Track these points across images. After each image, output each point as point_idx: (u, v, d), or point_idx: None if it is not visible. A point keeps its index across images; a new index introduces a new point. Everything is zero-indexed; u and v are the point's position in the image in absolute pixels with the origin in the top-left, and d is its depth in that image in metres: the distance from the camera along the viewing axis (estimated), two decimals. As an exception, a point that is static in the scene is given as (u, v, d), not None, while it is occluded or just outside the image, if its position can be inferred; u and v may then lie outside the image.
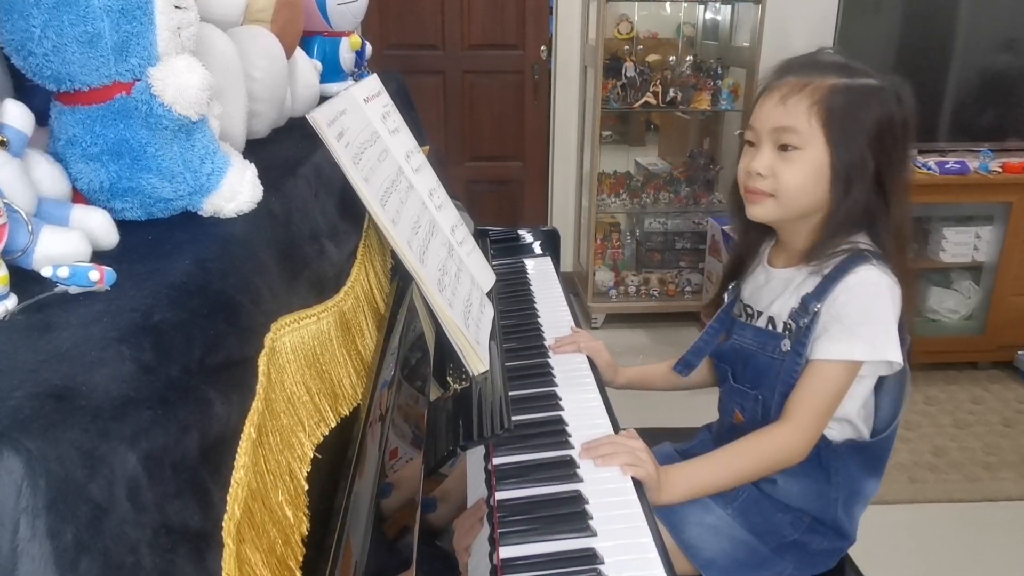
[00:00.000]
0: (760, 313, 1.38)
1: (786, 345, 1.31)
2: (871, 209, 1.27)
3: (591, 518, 1.10)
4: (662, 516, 1.33)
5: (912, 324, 1.31)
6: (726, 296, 1.49)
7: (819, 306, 1.26)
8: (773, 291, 1.36)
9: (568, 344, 1.61)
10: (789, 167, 1.26)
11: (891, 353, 1.24)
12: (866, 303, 1.24)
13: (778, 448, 1.28)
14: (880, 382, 1.33)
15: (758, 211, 1.31)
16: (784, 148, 1.26)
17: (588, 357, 1.58)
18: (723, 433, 1.47)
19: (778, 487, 1.35)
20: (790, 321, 1.31)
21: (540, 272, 2.02)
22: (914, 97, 1.28)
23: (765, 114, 1.28)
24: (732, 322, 1.46)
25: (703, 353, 1.52)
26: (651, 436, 1.35)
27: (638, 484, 1.19)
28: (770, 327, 1.35)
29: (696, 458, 1.35)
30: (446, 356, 1.24)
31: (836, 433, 1.33)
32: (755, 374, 1.37)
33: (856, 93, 1.24)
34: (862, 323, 1.24)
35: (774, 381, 1.32)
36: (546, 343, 1.62)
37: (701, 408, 1.73)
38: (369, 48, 1.88)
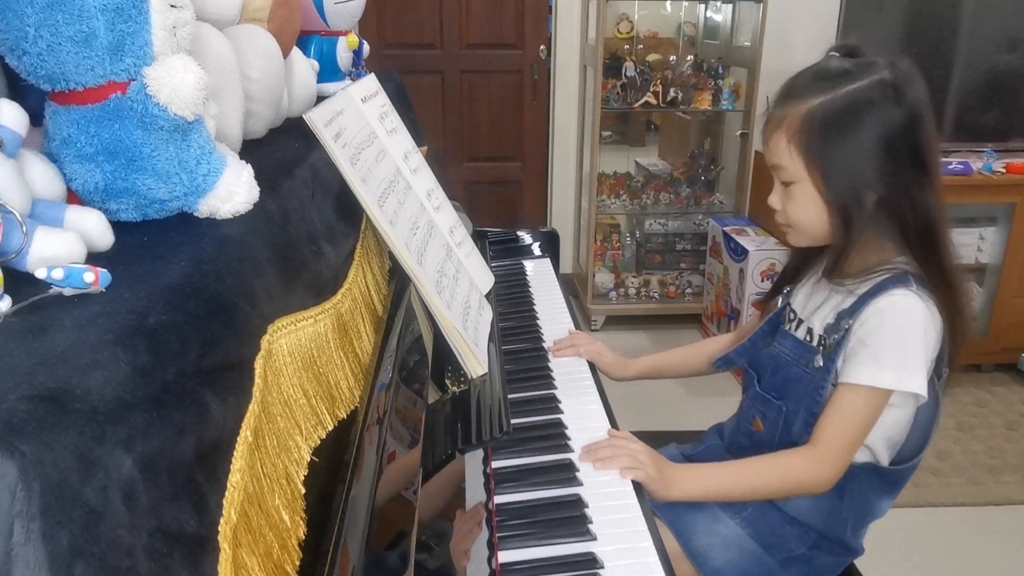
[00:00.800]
0: (801, 321, 1.36)
1: (819, 361, 1.29)
2: (886, 221, 1.22)
3: (591, 522, 1.10)
4: (671, 523, 1.33)
5: (968, 336, 1.26)
6: (780, 300, 1.47)
7: (851, 323, 1.23)
8: (816, 301, 1.34)
9: (567, 348, 1.61)
10: (792, 202, 1.26)
11: (915, 384, 1.19)
12: (895, 329, 1.20)
13: (802, 476, 1.25)
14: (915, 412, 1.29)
15: (791, 241, 1.33)
16: (785, 184, 1.26)
17: (588, 361, 1.58)
18: (738, 438, 1.46)
19: (788, 500, 1.33)
20: (824, 335, 1.29)
21: (539, 274, 2.02)
22: (923, 80, 1.20)
23: (764, 152, 1.29)
24: (778, 327, 1.43)
25: (747, 354, 1.49)
26: (655, 439, 1.35)
27: (638, 487, 1.19)
28: (807, 338, 1.33)
29: (712, 463, 1.34)
30: (444, 359, 1.24)
31: (857, 455, 1.29)
32: (784, 384, 1.35)
33: (834, 111, 1.18)
34: (889, 349, 1.20)
35: (802, 395, 1.30)
36: (545, 345, 1.62)
37: (707, 411, 1.73)
38: (367, 47, 1.88)
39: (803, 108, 1.20)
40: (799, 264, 1.44)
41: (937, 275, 1.23)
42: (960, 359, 1.28)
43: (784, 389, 1.34)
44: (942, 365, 1.25)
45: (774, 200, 1.29)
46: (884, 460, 1.31)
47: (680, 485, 1.24)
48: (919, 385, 1.19)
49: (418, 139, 1.57)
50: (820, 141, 1.19)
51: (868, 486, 1.31)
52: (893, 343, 1.20)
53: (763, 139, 1.28)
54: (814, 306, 1.34)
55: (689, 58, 3.95)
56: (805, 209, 1.24)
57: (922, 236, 1.22)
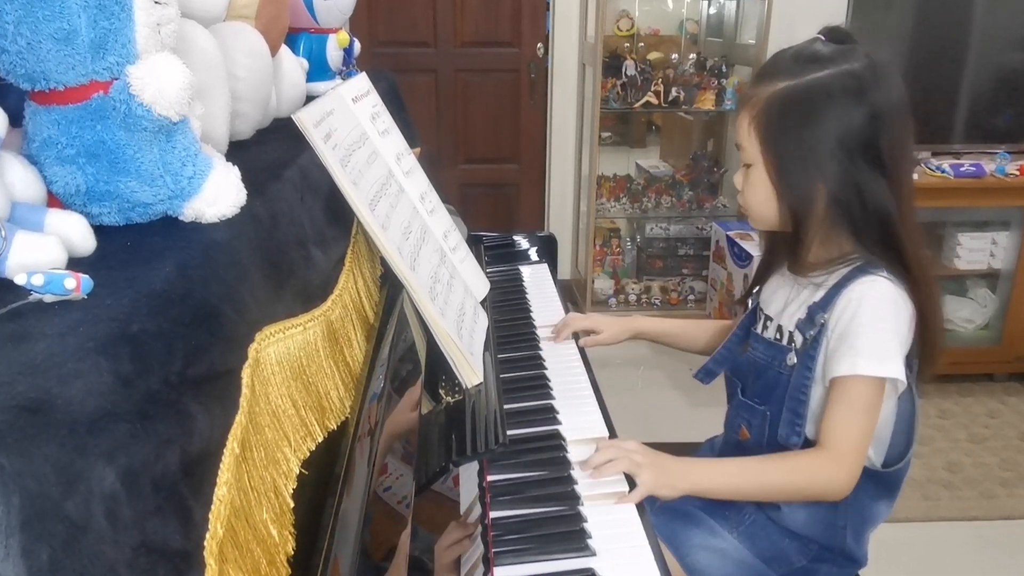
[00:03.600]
0: (771, 320, 1.37)
1: (792, 359, 1.30)
2: (840, 220, 1.23)
3: (590, 537, 1.10)
4: (666, 538, 1.33)
5: (937, 338, 1.27)
6: (750, 301, 1.48)
7: (825, 317, 1.24)
8: (783, 298, 1.36)
9: (563, 329, 1.66)
10: (748, 185, 1.28)
11: (892, 370, 1.19)
12: (868, 315, 1.20)
13: (816, 477, 1.23)
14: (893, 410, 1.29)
15: (751, 223, 1.35)
16: (746, 165, 1.28)
17: (588, 369, 1.59)
18: (727, 451, 1.47)
19: (783, 513, 1.33)
20: (796, 332, 1.29)
21: (536, 280, 2.02)
22: (900, 81, 1.19)
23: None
24: (750, 329, 1.44)
25: (726, 362, 1.49)
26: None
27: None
28: (777, 337, 1.34)
29: (718, 458, 1.34)
30: (438, 368, 1.24)
31: None
32: (764, 389, 1.35)
33: (794, 98, 1.19)
34: (864, 336, 1.20)
35: (782, 397, 1.30)
36: (543, 354, 1.62)
37: (708, 421, 1.73)
38: (357, 45, 1.88)
39: (768, 90, 1.22)
40: (769, 259, 1.45)
41: (901, 271, 1.23)
42: (933, 367, 1.29)
43: (766, 394, 1.35)
44: (912, 357, 1.26)
45: (737, 180, 1.31)
46: (876, 461, 1.32)
47: (688, 478, 1.23)
48: (896, 370, 1.20)
49: (411, 140, 1.57)
50: (777, 126, 1.21)
51: (862, 491, 1.29)
52: (870, 329, 1.20)
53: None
54: (782, 303, 1.36)
55: (691, 56, 3.97)
56: (758, 194, 1.26)
57: (877, 234, 1.23)
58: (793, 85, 1.20)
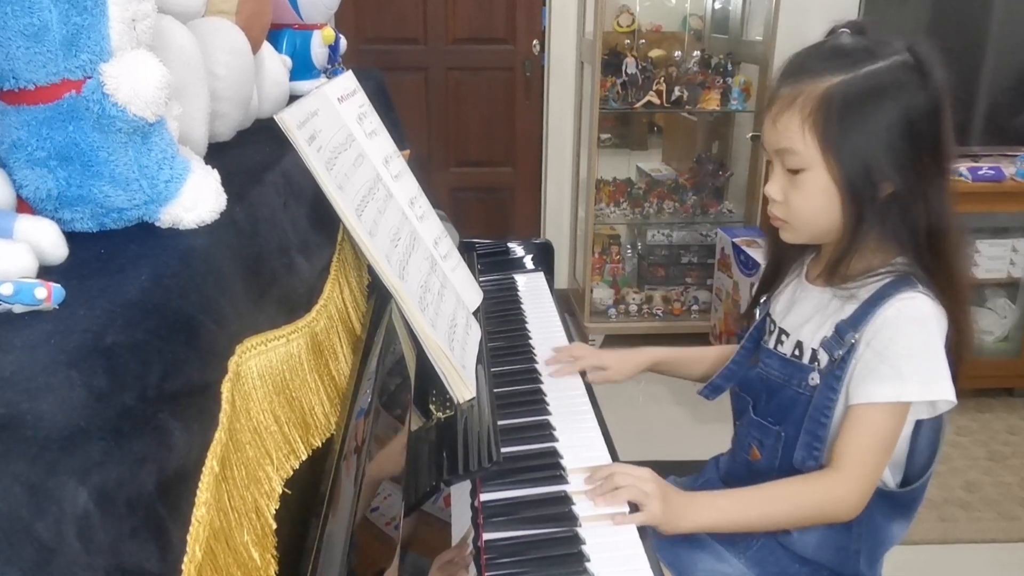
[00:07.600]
0: (788, 335, 1.35)
1: (814, 379, 1.28)
2: (898, 224, 1.22)
3: (588, 560, 1.10)
4: (670, 562, 1.33)
5: (968, 354, 1.27)
6: (757, 312, 1.47)
7: (856, 336, 1.22)
8: (804, 311, 1.34)
9: (567, 365, 1.62)
10: (798, 191, 1.24)
11: (944, 391, 1.19)
12: (913, 337, 1.20)
13: (823, 502, 1.23)
14: (916, 428, 1.29)
15: (785, 236, 1.32)
16: (793, 171, 1.24)
17: (586, 382, 1.59)
18: (735, 470, 1.46)
19: (793, 538, 1.33)
20: (821, 350, 1.28)
21: (532, 289, 2.03)
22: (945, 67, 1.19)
23: (766, 135, 1.27)
24: (759, 344, 1.43)
25: (734, 377, 1.48)
26: (656, 470, 1.35)
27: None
28: (796, 354, 1.33)
29: (720, 491, 1.33)
30: (428, 382, 1.24)
31: None
32: (779, 408, 1.34)
33: (856, 92, 1.17)
34: (911, 360, 1.19)
35: (800, 417, 1.29)
36: (538, 367, 1.62)
37: (712, 438, 1.73)
38: (343, 42, 1.88)
39: (821, 86, 1.19)
40: (776, 268, 1.44)
41: (944, 281, 1.23)
42: (960, 380, 1.27)
43: (782, 414, 1.34)
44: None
45: (774, 189, 1.27)
46: (891, 482, 1.32)
47: (691, 515, 1.23)
48: (947, 390, 1.20)
49: (400, 142, 1.57)
50: (839, 124, 1.18)
51: (877, 513, 1.29)
52: (913, 352, 1.20)
53: (768, 119, 1.26)
54: (801, 317, 1.34)
55: (695, 54, 3.98)
56: (814, 200, 1.23)
57: (932, 238, 1.22)
58: (852, 78, 1.18)
